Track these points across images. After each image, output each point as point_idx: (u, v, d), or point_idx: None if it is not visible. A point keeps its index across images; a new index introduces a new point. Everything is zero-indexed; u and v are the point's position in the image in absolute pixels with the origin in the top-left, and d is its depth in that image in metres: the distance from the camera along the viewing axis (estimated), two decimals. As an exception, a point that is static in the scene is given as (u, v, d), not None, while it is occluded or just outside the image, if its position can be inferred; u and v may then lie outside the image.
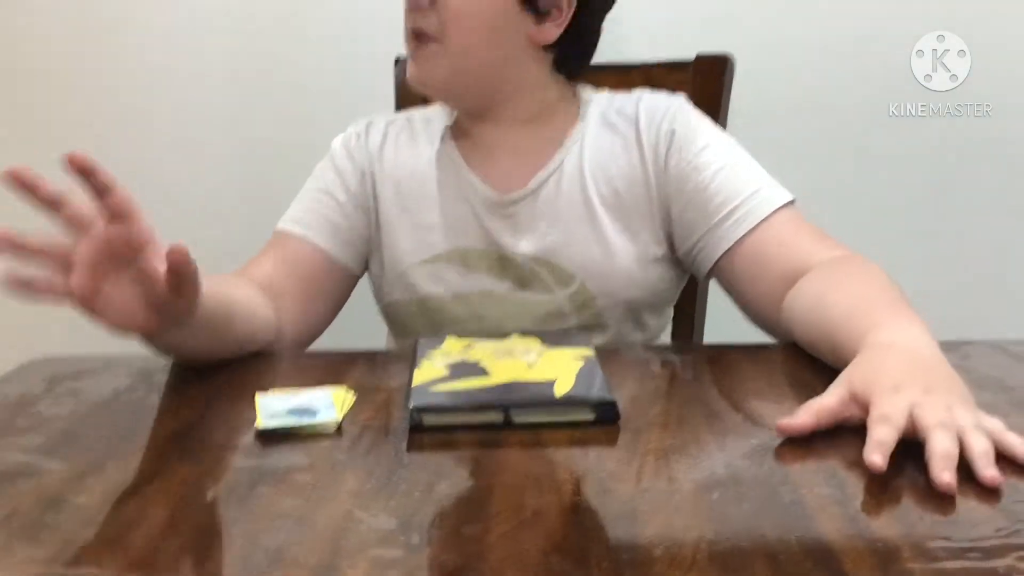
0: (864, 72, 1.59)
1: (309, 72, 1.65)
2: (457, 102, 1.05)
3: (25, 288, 0.67)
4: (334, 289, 1.06)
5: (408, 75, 1.02)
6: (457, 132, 1.07)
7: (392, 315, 1.09)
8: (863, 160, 1.59)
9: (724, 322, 1.10)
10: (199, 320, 0.77)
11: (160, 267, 0.69)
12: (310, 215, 1.05)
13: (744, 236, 0.95)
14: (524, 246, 1.02)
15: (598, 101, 1.07)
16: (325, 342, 1.06)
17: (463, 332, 0.89)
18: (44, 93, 1.69)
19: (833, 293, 0.83)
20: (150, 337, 0.77)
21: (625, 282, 1.02)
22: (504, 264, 1.03)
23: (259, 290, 0.95)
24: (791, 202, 0.97)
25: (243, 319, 0.89)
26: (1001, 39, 1.57)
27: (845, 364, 0.70)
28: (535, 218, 1.02)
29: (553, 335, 0.91)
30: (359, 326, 1.14)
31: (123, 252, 0.69)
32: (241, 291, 0.91)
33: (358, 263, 1.08)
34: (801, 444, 0.65)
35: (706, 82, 1.24)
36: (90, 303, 0.69)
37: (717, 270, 0.99)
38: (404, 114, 1.12)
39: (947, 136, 1.60)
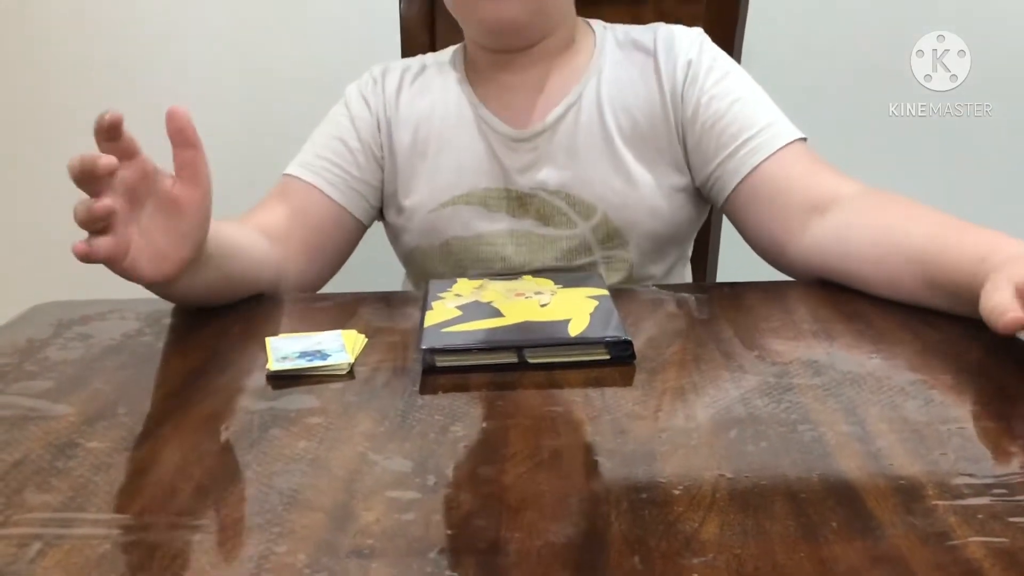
0: (864, 72, 1.59)
1: (315, 13, 1.63)
2: (524, 37, 1.01)
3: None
4: (340, 239, 1.05)
5: (491, 14, 0.97)
6: (472, 73, 1.06)
7: (415, 261, 1.08)
8: (863, 160, 1.58)
9: (736, 265, 1.08)
10: (205, 256, 0.77)
11: (171, 185, 0.74)
12: (320, 162, 1.04)
13: (761, 163, 0.95)
14: (544, 181, 1.01)
15: (613, 32, 1.06)
16: (338, 286, 1.05)
17: (486, 272, 0.88)
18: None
19: (905, 223, 0.82)
20: (168, 283, 0.77)
21: (647, 213, 1.01)
22: (524, 202, 1.02)
23: (262, 235, 0.94)
24: (805, 139, 0.96)
25: (246, 257, 0.88)
26: (1001, 39, 1.56)
27: (944, 289, 0.73)
28: (554, 152, 1.01)
29: (566, 275, 0.89)
30: (372, 271, 1.13)
31: (140, 188, 0.73)
32: (240, 232, 0.91)
33: (366, 214, 1.06)
34: (821, 382, 0.64)
35: (719, 16, 1.21)
36: (121, 260, 0.72)
37: (733, 198, 0.97)
38: (418, 59, 1.10)
39: (947, 136, 1.59)
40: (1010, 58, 1.58)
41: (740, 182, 0.96)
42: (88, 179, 0.69)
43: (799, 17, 1.59)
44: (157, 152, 0.73)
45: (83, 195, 0.71)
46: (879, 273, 0.82)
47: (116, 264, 0.72)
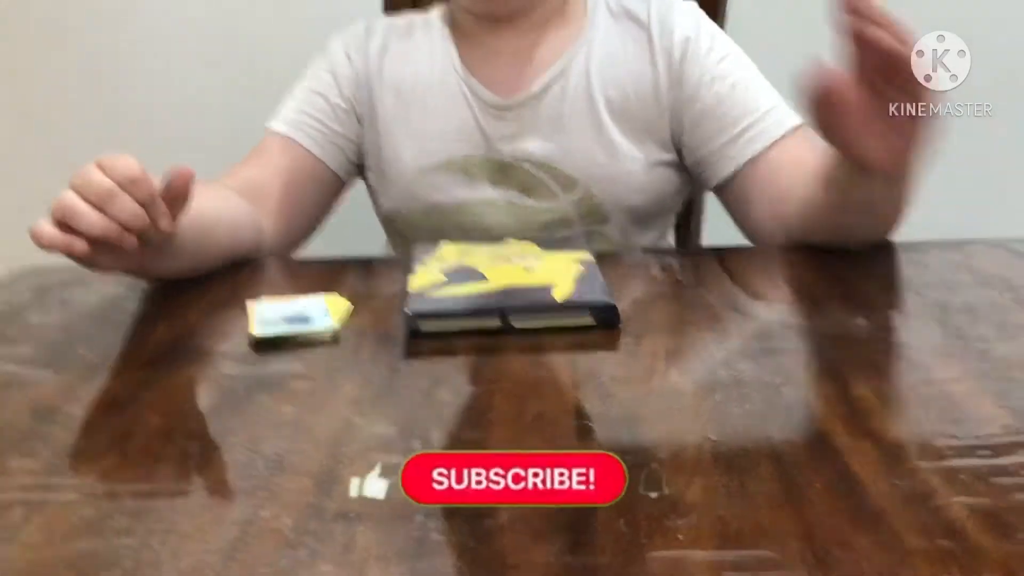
0: (864, 72, 1.58)
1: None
2: (517, 5, 1.00)
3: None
4: (319, 193, 1.04)
5: None
6: (459, 36, 1.04)
7: (393, 224, 1.08)
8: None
9: (722, 230, 1.08)
10: (176, 245, 0.76)
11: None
12: (300, 116, 1.03)
13: (763, 151, 0.94)
14: (527, 151, 1.00)
15: (605, 1, 1.04)
16: (320, 249, 1.05)
17: (466, 240, 0.88)
18: None
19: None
20: (131, 273, 0.76)
21: (630, 187, 0.99)
22: (506, 171, 1.01)
23: (238, 193, 0.93)
24: (804, 124, 0.95)
25: (221, 230, 0.87)
26: (1001, 39, 1.55)
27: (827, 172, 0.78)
28: (539, 122, 1.00)
29: (550, 241, 0.89)
30: (354, 233, 1.12)
31: None
32: (216, 199, 0.89)
33: (345, 169, 1.05)
34: (804, 345, 0.64)
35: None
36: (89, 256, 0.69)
37: (730, 183, 0.96)
38: (403, 19, 1.08)
39: (947, 136, 1.59)
40: (1010, 58, 1.57)
41: (740, 168, 0.95)
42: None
43: (799, 17, 1.57)
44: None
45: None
46: (832, 204, 0.82)
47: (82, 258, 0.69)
